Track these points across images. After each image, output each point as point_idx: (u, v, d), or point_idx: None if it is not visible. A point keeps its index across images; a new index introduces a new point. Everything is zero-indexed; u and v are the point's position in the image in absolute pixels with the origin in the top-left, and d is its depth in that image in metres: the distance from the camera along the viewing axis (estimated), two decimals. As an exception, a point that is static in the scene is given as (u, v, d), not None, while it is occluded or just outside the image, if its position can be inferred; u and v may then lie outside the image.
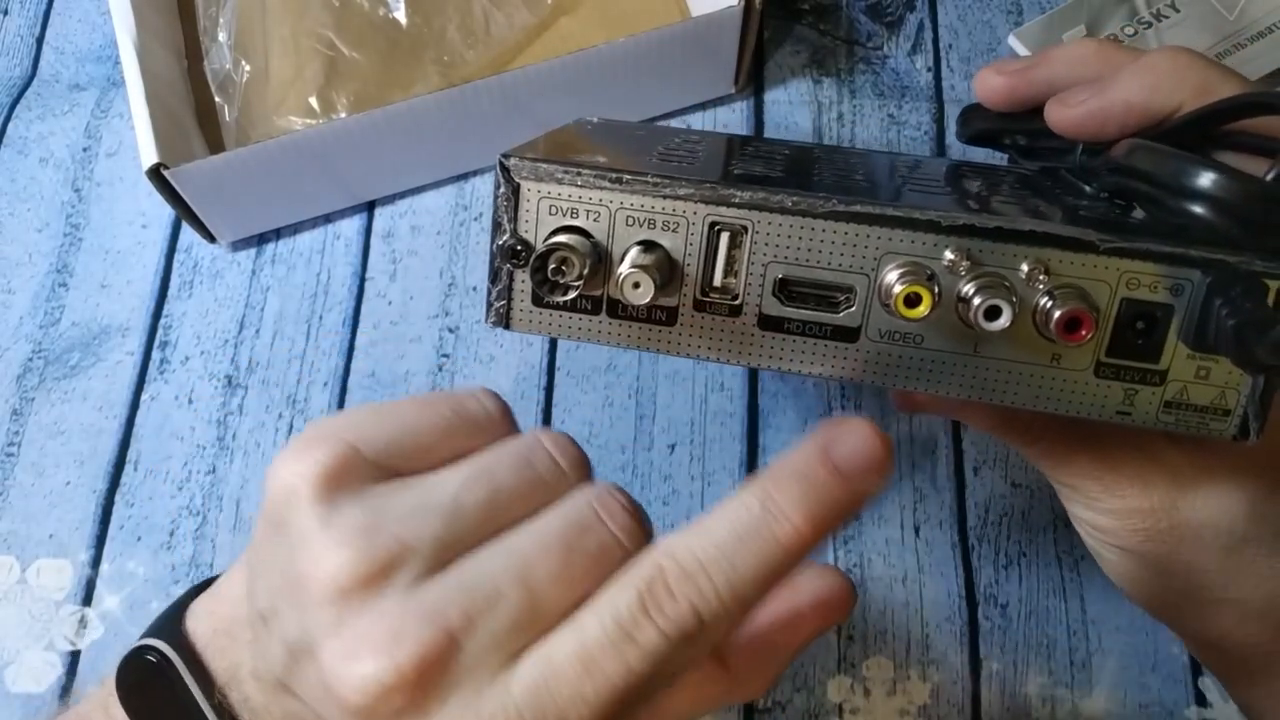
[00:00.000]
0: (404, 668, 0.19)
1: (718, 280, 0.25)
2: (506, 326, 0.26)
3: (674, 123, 0.48)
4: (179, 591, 0.30)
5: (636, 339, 0.26)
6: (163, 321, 0.45)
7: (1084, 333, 0.23)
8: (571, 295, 0.24)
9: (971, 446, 0.41)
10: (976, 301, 0.23)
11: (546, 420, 0.42)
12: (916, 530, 0.40)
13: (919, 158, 0.38)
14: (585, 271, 0.24)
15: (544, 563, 0.21)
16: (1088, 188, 0.29)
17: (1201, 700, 0.37)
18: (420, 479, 0.22)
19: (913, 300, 0.23)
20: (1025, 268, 0.24)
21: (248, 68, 0.48)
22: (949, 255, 0.24)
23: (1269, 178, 0.23)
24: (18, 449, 0.43)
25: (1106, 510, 0.28)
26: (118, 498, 0.42)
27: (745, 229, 0.25)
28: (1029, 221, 0.24)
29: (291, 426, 0.43)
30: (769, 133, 0.48)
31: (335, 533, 0.21)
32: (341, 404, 0.43)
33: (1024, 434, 0.29)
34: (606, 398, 0.42)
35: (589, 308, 0.26)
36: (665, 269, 0.25)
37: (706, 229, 0.25)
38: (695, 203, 0.24)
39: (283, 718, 0.24)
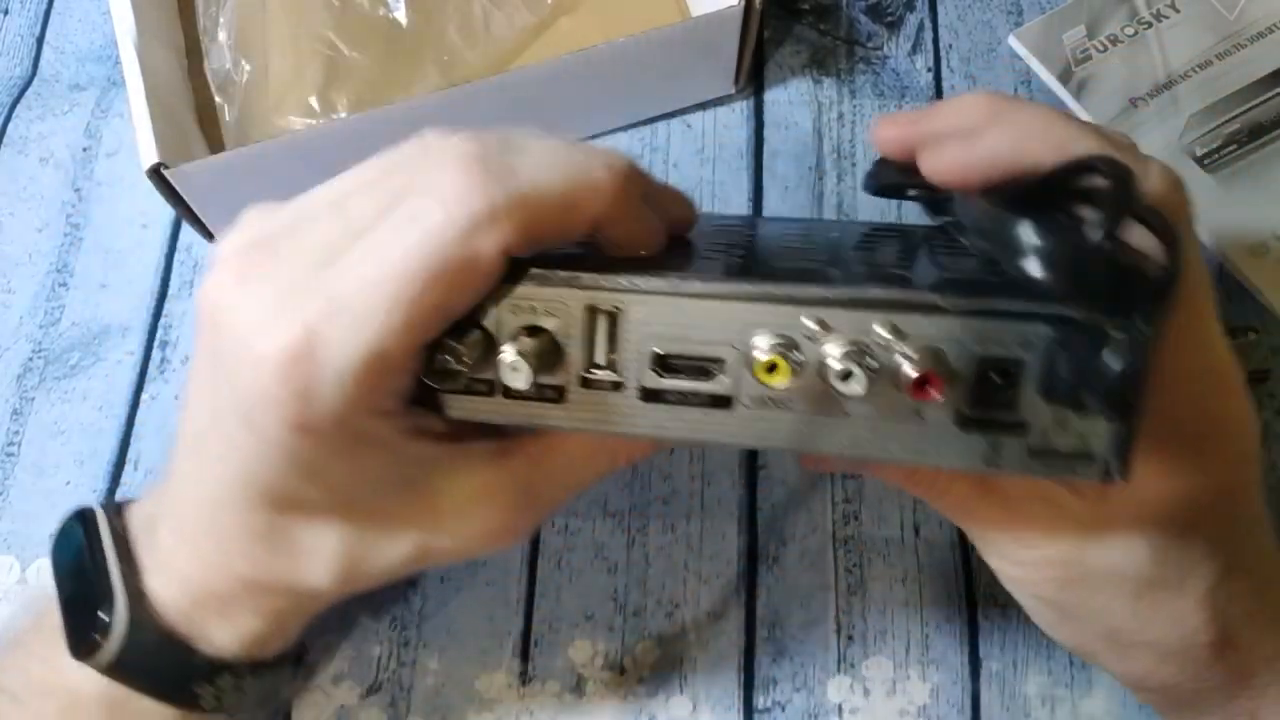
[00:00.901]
0: (235, 245, 0.27)
1: (600, 359, 0.27)
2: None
3: (674, 123, 0.48)
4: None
5: (530, 415, 0.28)
6: (163, 321, 0.45)
7: (933, 392, 0.25)
8: (459, 383, 0.27)
9: (971, 446, 0.41)
10: (833, 367, 0.25)
11: (546, 420, 0.42)
12: (916, 530, 0.40)
13: (847, 224, 0.41)
14: (472, 360, 0.26)
15: (358, 199, 0.26)
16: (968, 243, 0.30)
17: (1201, 700, 0.37)
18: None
19: (772, 369, 0.25)
20: (881, 332, 0.25)
21: (248, 68, 0.48)
22: (807, 323, 0.25)
23: (1096, 237, 0.24)
24: (18, 449, 0.43)
25: (1019, 561, 0.29)
26: (118, 497, 0.42)
27: (620, 310, 0.26)
28: (878, 290, 0.25)
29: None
30: (769, 132, 0.48)
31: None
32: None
33: (931, 488, 0.30)
34: (606, 398, 0.42)
35: (484, 389, 0.28)
36: (550, 351, 0.27)
37: (585, 313, 0.26)
38: (572, 289, 0.26)
39: (186, 539, 0.29)
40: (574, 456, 0.31)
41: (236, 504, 0.28)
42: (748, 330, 0.26)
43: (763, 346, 0.26)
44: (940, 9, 0.50)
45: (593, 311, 0.27)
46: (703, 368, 0.27)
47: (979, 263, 0.28)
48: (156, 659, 0.30)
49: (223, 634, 0.30)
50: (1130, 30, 0.47)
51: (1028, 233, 0.25)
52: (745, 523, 0.40)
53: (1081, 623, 0.30)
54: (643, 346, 0.27)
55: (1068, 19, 0.48)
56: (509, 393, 0.27)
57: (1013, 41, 0.48)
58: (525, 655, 0.39)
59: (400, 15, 0.49)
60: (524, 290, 0.26)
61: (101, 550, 0.30)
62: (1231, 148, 0.44)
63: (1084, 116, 0.46)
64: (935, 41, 0.49)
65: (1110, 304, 0.24)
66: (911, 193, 0.35)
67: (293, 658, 0.34)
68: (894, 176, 0.34)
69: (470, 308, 0.26)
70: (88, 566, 0.30)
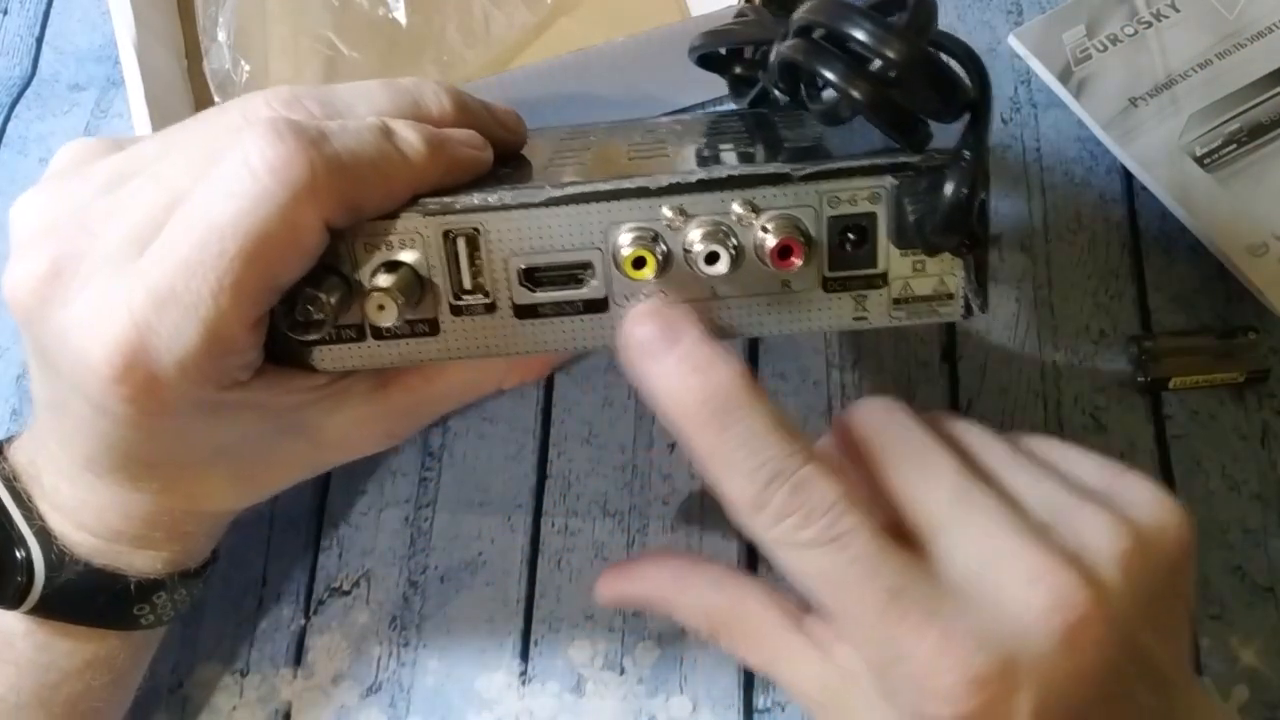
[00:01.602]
0: (45, 220, 0.26)
1: (467, 283, 0.27)
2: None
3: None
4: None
5: (405, 355, 0.27)
6: (162, 321, 0.45)
7: (795, 259, 0.26)
8: (325, 332, 0.26)
9: (971, 446, 0.41)
10: (697, 250, 0.26)
11: (547, 420, 0.42)
12: (916, 530, 0.40)
13: (695, 117, 0.40)
14: (334, 307, 0.26)
15: (174, 145, 0.26)
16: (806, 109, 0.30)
17: (1201, 700, 0.37)
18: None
19: (639, 263, 0.26)
20: (738, 209, 0.26)
21: (247, 67, 0.48)
22: (666, 213, 0.26)
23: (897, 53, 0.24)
24: (17, 449, 0.43)
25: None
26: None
27: (478, 231, 0.26)
28: (728, 168, 0.26)
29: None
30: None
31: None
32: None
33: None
34: (606, 398, 0.42)
35: (354, 335, 0.27)
36: (414, 284, 0.26)
37: (441, 239, 0.26)
38: (424, 216, 0.26)
39: (63, 472, 0.29)
40: (454, 383, 0.32)
41: (112, 468, 0.28)
42: (609, 230, 0.26)
43: (626, 243, 0.26)
44: (940, 9, 0.50)
45: (450, 236, 0.26)
46: (572, 275, 0.27)
47: (812, 133, 0.29)
48: (87, 593, 0.30)
49: (144, 560, 0.31)
50: (1130, 30, 0.47)
51: (831, 69, 0.25)
52: (745, 522, 0.40)
53: None
54: (508, 264, 0.26)
55: (1067, 19, 0.48)
56: (379, 334, 0.27)
57: (1012, 41, 0.48)
58: (525, 655, 0.38)
59: (400, 15, 0.49)
60: (374, 226, 0.26)
61: None
62: (1231, 147, 0.44)
63: (1084, 116, 0.46)
64: (935, 41, 0.49)
65: (918, 128, 0.25)
66: (734, 69, 0.36)
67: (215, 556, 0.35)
68: (713, 49, 0.34)
69: (302, 275, 0.25)
70: None
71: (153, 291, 0.24)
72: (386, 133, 0.26)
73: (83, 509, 0.29)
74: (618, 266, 0.26)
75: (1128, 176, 0.45)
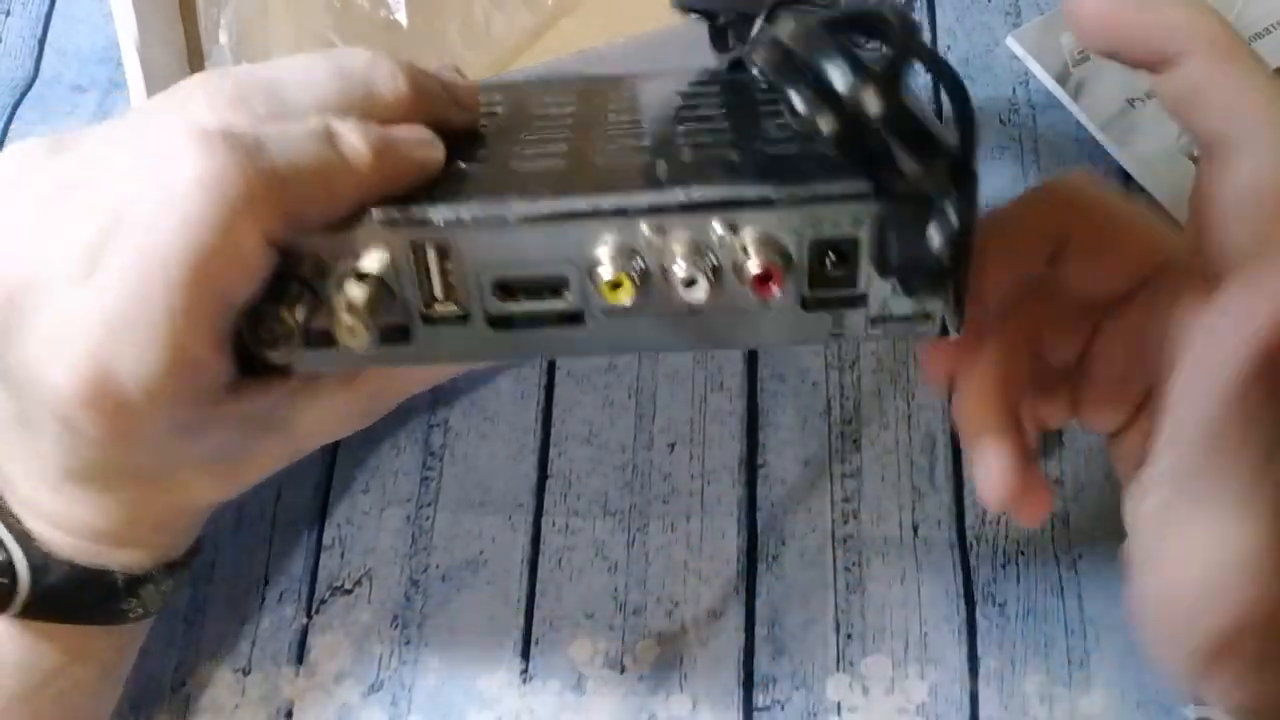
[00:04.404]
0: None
1: (438, 293, 0.26)
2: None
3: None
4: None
5: (380, 359, 0.27)
6: (165, 322, 0.45)
7: (774, 286, 0.25)
8: (295, 341, 0.25)
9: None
10: (675, 272, 0.25)
11: (546, 420, 0.42)
12: (915, 529, 0.40)
13: (671, 82, 0.35)
14: (301, 318, 0.25)
15: (114, 144, 0.25)
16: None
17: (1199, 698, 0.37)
18: None
19: (615, 285, 0.25)
20: (718, 229, 0.25)
21: (249, 69, 0.48)
22: (645, 231, 0.25)
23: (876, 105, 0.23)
24: (20, 449, 0.43)
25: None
26: None
27: (448, 243, 0.25)
28: (711, 189, 0.25)
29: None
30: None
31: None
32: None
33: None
34: (606, 397, 0.42)
35: (324, 342, 0.26)
36: (384, 295, 0.25)
37: (410, 250, 0.25)
38: (389, 229, 0.25)
39: (35, 475, 0.28)
40: (423, 374, 0.32)
41: (91, 477, 0.28)
42: (585, 246, 0.25)
43: (604, 262, 0.25)
44: (938, 10, 0.50)
45: (418, 247, 0.25)
46: (547, 287, 0.26)
47: (793, 137, 0.28)
48: (74, 593, 0.30)
49: (128, 556, 0.30)
50: (1128, 31, 0.47)
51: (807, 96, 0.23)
52: (745, 522, 0.40)
53: None
54: (481, 276, 0.26)
55: (1066, 20, 0.48)
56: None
57: (1011, 43, 0.48)
58: (526, 654, 0.39)
59: (400, 16, 0.49)
60: (337, 235, 0.25)
61: None
62: (1229, 148, 0.44)
63: (1082, 117, 0.46)
64: (934, 43, 0.49)
65: (891, 172, 0.24)
66: (717, 21, 0.34)
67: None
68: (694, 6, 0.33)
69: (257, 289, 0.25)
70: None
71: (107, 323, 0.23)
72: (329, 138, 0.25)
73: (64, 513, 0.29)
74: (594, 285, 0.25)
75: (1126, 177, 0.45)
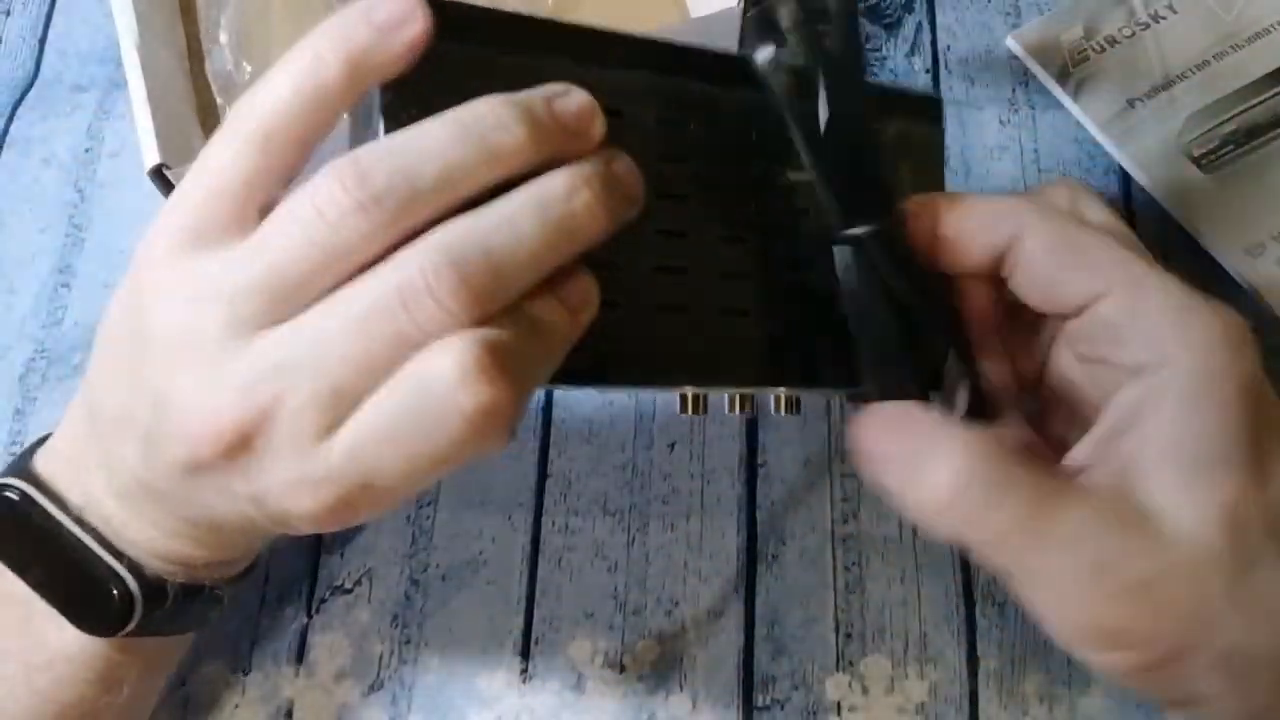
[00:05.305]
0: (223, 433, 0.24)
1: None
2: None
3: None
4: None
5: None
6: (165, 321, 0.45)
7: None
8: None
9: (970, 446, 0.41)
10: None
11: (546, 420, 0.42)
12: (914, 529, 0.40)
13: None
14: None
15: (341, 349, 0.23)
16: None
17: (1198, 698, 0.37)
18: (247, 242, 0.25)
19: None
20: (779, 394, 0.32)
21: (249, 69, 0.48)
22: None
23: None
24: (20, 448, 0.43)
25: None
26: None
27: None
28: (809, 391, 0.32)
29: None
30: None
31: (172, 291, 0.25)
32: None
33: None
34: (607, 397, 0.42)
35: None
36: None
37: None
38: None
39: (149, 520, 0.29)
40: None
41: (189, 511, 0.28)
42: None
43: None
44: (938, 11, 0.50)
45: None
46: None
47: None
48: (179, 608, 0.31)
49: (216, 573, 0.32)
50: (1127, 31, 0.47)
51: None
52: (745, 521, 0.40)
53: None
54: None
55: (1065, 20, 0.48)
56: None
57: (1011, 43, 0.48)
58: (526, 653, 0.39)
59: (401, 16, 0.49)
60: None
61: (68, 533, 0.29)
62: (1229, 148, 0.44)
63: (1082, 117, 0.46)
64: (933, 43, 0.49)
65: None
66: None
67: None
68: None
69: None
70: (61, 552, 0.29)
71: (344, 496, 0.24)
72: (571, 324, 0.25)
73: (164, 543, 0.30)
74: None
75: (1125, 177, 0.45)
